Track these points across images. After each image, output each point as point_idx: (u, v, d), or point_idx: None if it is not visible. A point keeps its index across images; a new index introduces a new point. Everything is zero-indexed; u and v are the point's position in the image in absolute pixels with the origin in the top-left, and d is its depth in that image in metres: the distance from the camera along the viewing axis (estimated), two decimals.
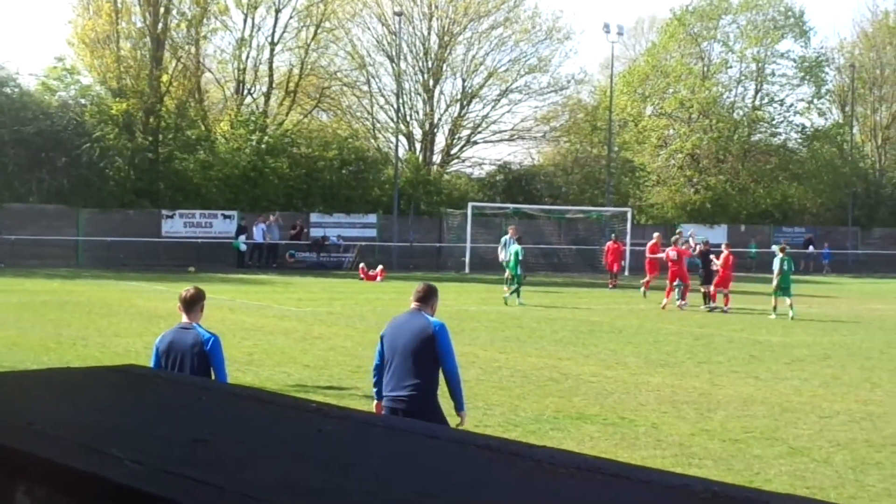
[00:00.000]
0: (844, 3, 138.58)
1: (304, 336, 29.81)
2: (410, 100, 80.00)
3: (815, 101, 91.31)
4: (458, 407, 12.58)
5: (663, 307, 43.21)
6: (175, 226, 64.55)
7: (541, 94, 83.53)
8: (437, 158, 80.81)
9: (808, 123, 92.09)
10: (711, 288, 43.86)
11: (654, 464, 13.48)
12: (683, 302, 44.21)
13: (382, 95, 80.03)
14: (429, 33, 79.41)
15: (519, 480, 2.78)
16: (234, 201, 66.34)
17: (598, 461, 2.91)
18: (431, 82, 79.46)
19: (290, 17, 73.51)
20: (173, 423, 3.38)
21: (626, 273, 60.83)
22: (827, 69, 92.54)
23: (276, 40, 73.28)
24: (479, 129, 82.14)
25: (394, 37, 76.83)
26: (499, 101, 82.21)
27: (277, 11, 72.67)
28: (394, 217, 69.68)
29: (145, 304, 37.66)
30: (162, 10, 67.78)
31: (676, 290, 44.34)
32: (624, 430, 17.59)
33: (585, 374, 23.65)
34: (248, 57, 73.05)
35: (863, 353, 29.22)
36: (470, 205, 69.08)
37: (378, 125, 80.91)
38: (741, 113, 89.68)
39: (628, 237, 66.86)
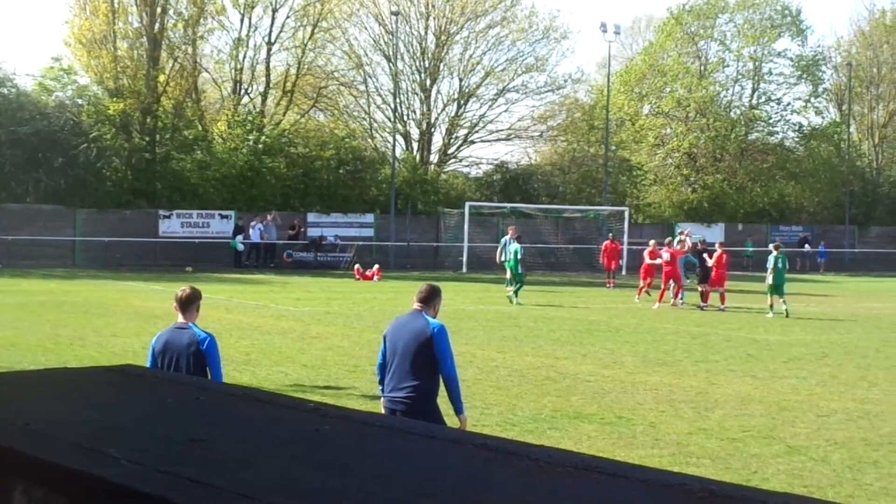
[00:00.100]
0: (841, 1, 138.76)
1: (301, 336, 29.81)
2: (407, 99, 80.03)
3: (812, 99, 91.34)
4: (457, 410, 12.48)
5: (657, 308, 43.31)
6: (172, 226, 64.51)
7: (538, 94, 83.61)
8: (434, 158, 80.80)
9: (805, 122, 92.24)
10: (707, 287, 43.93)
11: (651, 463, 13.48)
12: (677, 300, 44.28)
13: (379, 95, 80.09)
14: (426, 33, 79.43)
15: (517, 480, 2.78)
16: (232, 201, 66.30)
17: (595, 460, 2.91)
18: (428, 82, 79.44)
19: (287, 17, 73.55)
20: (171, 423, 3.38)
21: (624, 272, 60.83)
22: (824, 68, 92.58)
23: (272, 40, 73.26)
24: (476, 128, 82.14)
25: (391, 36, 76.81)
26: (496, 100, 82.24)
27: (274, 11, 72.63)
28: (391, 217, 69.65)
29: (142, 305, 37.64)
30: (159, 10, 67.69)
31: (670, 290, 44.47)
32: (621, 430, 17.59)
33: (583, 374, 23.65)
34: (244, 57, 73.03)
35: (860, 352, 29.23)
36: (467, 204, 69.09)
37: (375, 125, 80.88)
38: (738, 112, 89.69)
39: (625, 236, 66.85)
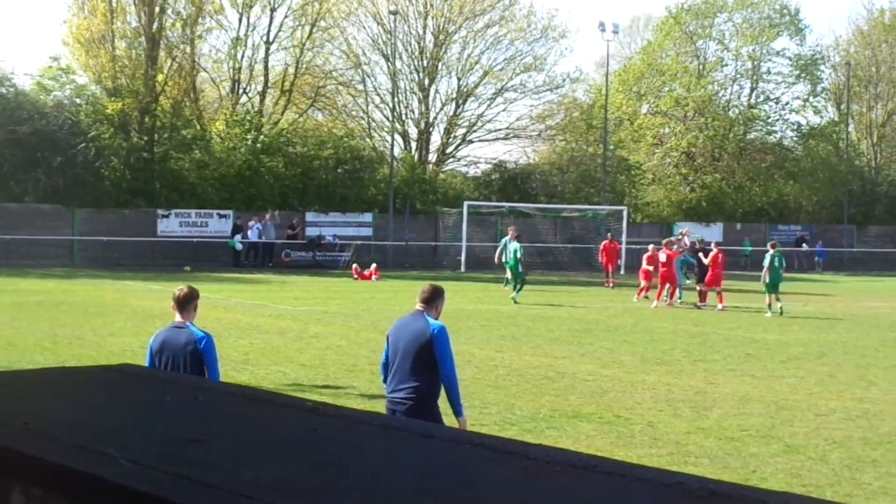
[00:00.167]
0: (840, 0, 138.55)
1: (299, 335, 29.80)
2: (406, 99, 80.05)
3: (811, 99, 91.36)
4: (457, 412, 12.38)
5: (654, 307, 43.43)
6: (171, 225, 64.50)
7: (536, 93, 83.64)
8: (432, 157, 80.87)
9: (803, 121, 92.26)
10: (703, 286, 44.03)
11: (650, 462, 13.48)
12: (672, 300, 44.35)
13: (378, 94, 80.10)
14: (424, 32, 79.43)
15: (515, 479, 2.78)
16: (230, 201, 66.29)
17: (594, 459, 2.91)
18: (427, 81, 79.46)
19: (286, 17, 73.57)
20: (169, 423, 3.38)
21: (622, 272, 60.82)
22: (822, 67, 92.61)
23: (271, 39, 73.29)
24: (475, 127, 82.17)
25: (389, 36, 76.82)
26: (494, 99, 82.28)
27: (272, 10, 72.65)
28: (389, 216, 69.65)
29: (141, 304, 37.62)
30: (157, 9, 67.67)
31: (666, 291, 44.56)
32: (620, 429, 17.59)
33: (581, 373, 23.65)
34: (243, 56, 73.08)
35: (858, 351, 29.24)
36: (465, 204, 69.10)
37: (373, 124, 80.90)
38: (737, 111, 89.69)
39: (624, 236, 66.84)
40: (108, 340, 27.48)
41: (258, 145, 68.36)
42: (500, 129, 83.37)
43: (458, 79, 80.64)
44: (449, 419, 12.32)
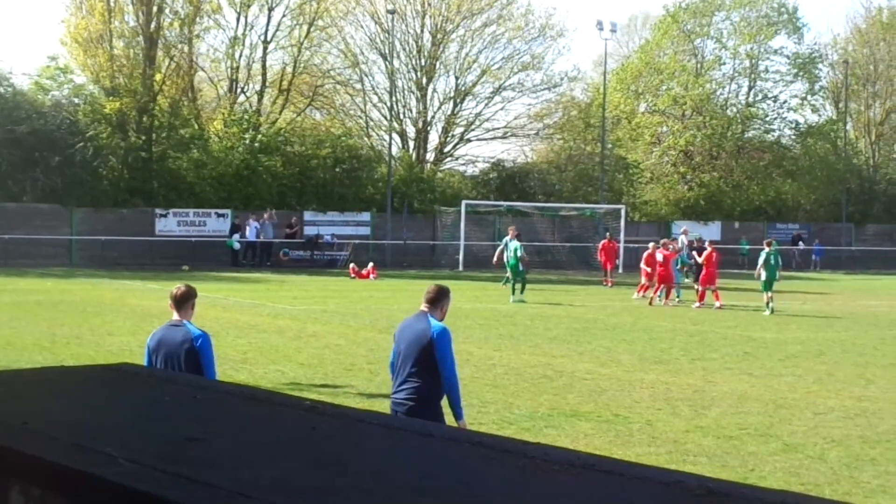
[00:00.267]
0: None
1: (298, 334, 29.81)
2: (404, 98, 80.00)
3: (809, 97, 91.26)
4: (457, 416, 12.29)
5: (650, 303, 43.54)
6: (169, 224, 64.50)
7: (534, 92, 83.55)
8: (430, 156, 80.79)
9: (801, 120, 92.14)
10: (699, 286, 44.14)
11: (648, 461, 13.48)
12: (668, 301, 44.39)
13: (376, 93, 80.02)
14: (422, 31, 79.38)
15: (513, 478, 2.78)
16: (228, 200, 66.27)
17: (592, 458, 2.91)
18: (425, 80, 79.42)
19: (283, 16, 73.55)
20: (168, 422, 3.38)
21: (621, 270, 60.82)
22: (820, 65, 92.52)
23: (269, 39, 73.29)
24: (473, 126, 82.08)
25: (387, 35, 76.76)
26: (492, 98, 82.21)
27: (270, 10, 72.66)
28: (387, 215, 69.66)
29: (139, 303, 37.62)
30: (155, 8, 67.65)
31: (661, 291, 44.63)
32: (618, 428, 17.60)
33: (580, 372, 23.66)
34: (241, 55, 73.06)
35: (857, 350, 29.26)
36: (463, 202, 69.08)
37: (371, 123, 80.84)
38: (735, 109, 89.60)
39: (622, 234, 66.90)
40: (106, 340, 27.49)
41: (256, 145, 68.33)
42: (497, 128, 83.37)
43: (456, 78, 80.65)
44: (450, 421, 12.28)
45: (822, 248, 79.73)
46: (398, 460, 2.97)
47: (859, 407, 19.98)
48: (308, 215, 68.20)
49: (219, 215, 65.56)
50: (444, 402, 12.43)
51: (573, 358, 26.17)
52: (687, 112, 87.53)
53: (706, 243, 46.63)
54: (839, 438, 17.03)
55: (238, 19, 72.09)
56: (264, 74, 73.96)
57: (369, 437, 3.24)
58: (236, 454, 2.93)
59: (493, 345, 28.29)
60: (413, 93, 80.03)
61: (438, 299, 12.53)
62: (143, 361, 11.69)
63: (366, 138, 79.42)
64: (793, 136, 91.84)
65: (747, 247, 74.03)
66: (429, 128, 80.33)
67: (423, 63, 79.30)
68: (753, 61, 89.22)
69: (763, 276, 41.40)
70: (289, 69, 74.35)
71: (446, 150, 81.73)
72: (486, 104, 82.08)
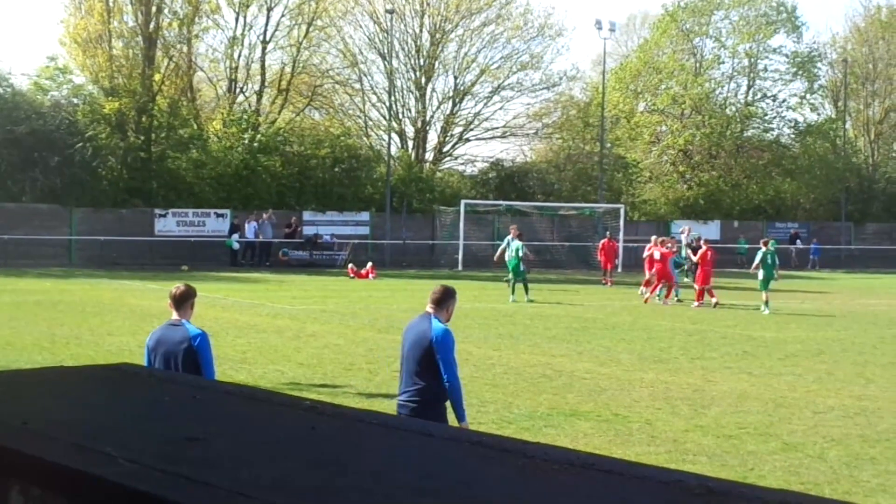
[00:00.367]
0: None
1: (297, 334, 29.81)
2: (402, 97, 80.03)
3: (808, 96, 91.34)
4: (459, 417, 12.22)
5: (646, 301, 43.58)
6: (168, 224, 64.50)
7: (533, 91, 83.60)
8: (429, 156, 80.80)
9: (800, 119, 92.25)
10: (696, 286, 44.22)
11: (648, 460, 13.48)
12: (668, 300, 44.40)
13: (375, 93, 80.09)
14: (421, 31, 79.42)
15: (513, 477, 2.78)
16: (227, 200, 66.27)
17: (591, 458, 2.91)
18: (423, 80, 79.44)
19: (282, 16, 73.61)
20: (167, 422, 3.38)
21: (620, 269, 60.84)
22: (819, 64, 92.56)
23: (267, 39, 73.32)
24: (472, 126, 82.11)
25: (385, 34, 76.76)
26: (491, 98, 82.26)
27: (269, 10, 72.69)
28: (386, 215, 69.69)
29: (138, 303, 37.62)
30: (154, 9, 67.68)
31: (660, 290, 44.68)
32: (618, 427, 17.60)
33: (579, 371, 23.66)
34: (240, 55, 73.13)
35: (856, 349, 29.26)
36: (462, 202, 69.08)
37: (370, 123, 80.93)
38: (734, 109, 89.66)
39: (621, 233, 66.96)
40: (105, 340, 27.49)
41: (255, 144, 68.34)
42: (496, 128, 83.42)
43: (455, 77, 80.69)
44: (452, 422, 12.26)
45: (819, 246, 79.65)
46: (398, 460, 2.97)
47: (859, 406, 19.98)
48: (307, 215, 68.21)
49: (218, 215, 65.57)
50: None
51: (572, 357, 26.18)
52: (686, 111, 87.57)
53: (701, 242, 46.67)
54: (839, 437, 17.02)
55: (237, 19, 72.22)
56: (263, 74, 74.02)
57: (369, 437, 3.24)
58: (236, 454, 2.93)
59: (493, 344, 28.28)
60: (412, 92, 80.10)
61: (444, 300, 12.46)
62: (143, 361, 11.69)
63: (365, 138, 79.49)
64: (792, 135, 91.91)
65: (746, 246, 74.04)
66: (428, 127, 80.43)
67: (421, 63, 79.34)
68: (752, 60, 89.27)
69: (760, 276, 41.47)
70: (288, 69, 74.39)
71: (445, 149, 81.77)
72: (485, 104, 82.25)
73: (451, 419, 12.30)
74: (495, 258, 49.66)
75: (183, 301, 12.01)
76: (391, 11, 74.20)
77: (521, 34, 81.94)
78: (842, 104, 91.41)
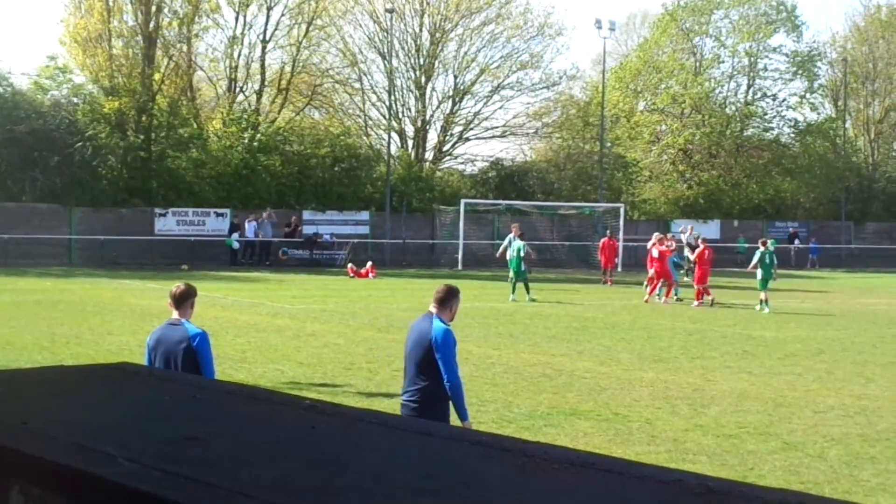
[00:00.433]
0: None
1: (297, 333, 29.81)
2: (402, 97, 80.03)
3: (808, 95, 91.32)
4: (461, 417, 12.20)
5: (646, 301, 43.61)
6: (168, 224, 64.49)
7: (533, 91, 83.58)
8: (429, 155, 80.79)
9: (800, 118, 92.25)
10: (695, 285, 44.25)
11: (648, 459, 13.48)
12: (666, 299, 44.41)
13: (374, 92, 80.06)
14: (420, 30, 79.41)
15: (513, 476, 2.78)
16: (227, 199, 66.27)
17: (591, 457, 2.91)
18: (423, 79, 79.42)
19: (282, 15, 73.60)
20: (167, 422, 3.38)
21: (620, 269, 60.84)
22: (819, 63, 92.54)
23: (267, 38, 73.31)
24: (471, 125, 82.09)
25: (385, 34, 76.74)
26: (491, 97, 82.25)
27: (269, 9, 72.68)
28: (386, 214, 69.68)
29: (138, 303, 37.62)
30: (154, 8, 67.66)
31: (660, 289, 44.71)
32: (618, 426, 17.60)
33: (579, 371, 23.66)
34: (239, 55, 73.13)
35: (856, 348, 29.26)
36: (462, 201, 69.05)
37: (370, 122, 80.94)
38: (734, 108, 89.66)
39: (621, 233, 66.94)
40: (105, 339, 27.49)
41: (255, 144, 68.33)
42: (496, 127, 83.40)
43: (455, 76, 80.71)
44: (455, 422, 12.25)
45: (817, 246, 79.63)
46: (398, 459, 2.97)
47: (859, 405, 19.98)
48: (307, 214, 68.21)
49: (218, 215, 65.57)
50: None
51: (572, 356, 26.18)
52: (686, 110, 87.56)
53: (698, 241, 46.69)
54: (839, 437, 17.03)
55: (237, 19, 72.21)
56: (263, 74, 74.02)
57: (369, 437, 3.24)
58: (236, 453, 2.93)
59: (493, 343, 28.29)
60: (412, 92, 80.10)
61: (447, 300, 12.45)
62: (143, 360, 11.68)
63: (364, 137, 79.48)
64: (792, 135, 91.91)
65: (745, 245, 74.05)
66: (427, 127, 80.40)
67: (421, 62, 79.34)
68: (752, 59, 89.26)
69: (759, 275, 41.51)
70: (287, 68, 74.38)
71: (445, 148, 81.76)
72: (485, 103, 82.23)
73: (454, 419, 12.30)
74: (498, 254, 49.68)
75: (183, 300, 12.00)
76: (391, 11, 74.15)
77: (521, 33, 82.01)
78: (842, 103, 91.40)
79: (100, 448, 2.86)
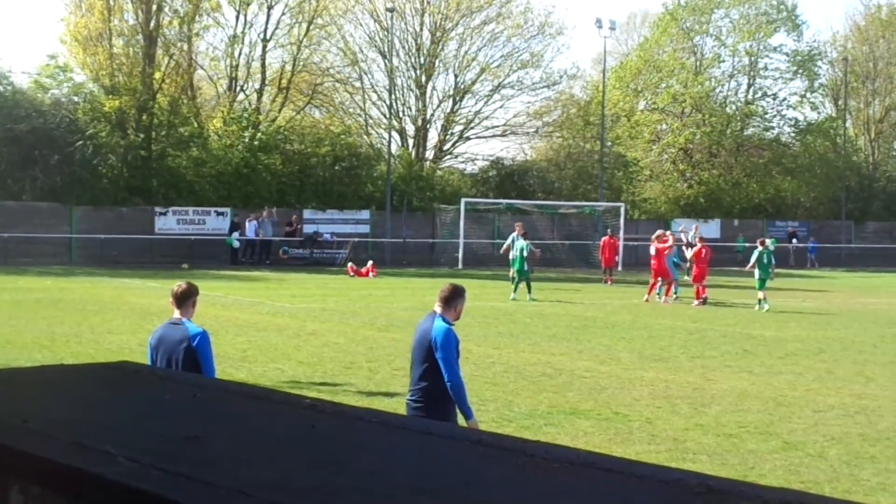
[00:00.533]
0: None
1: (297, 332, 29.81)
2: (403, 96, 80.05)
3: (808, 94, 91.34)
4: (465, 416, 12.18)
5: (646, 300, 43.61)
6: (168, 223, 64.51)
7: (533, 90, 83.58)
8: (429, 154, 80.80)
9: (801, 117, 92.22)
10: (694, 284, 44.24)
11: (648, 459, 13.48)
12: (666, 298, 44.38)
13: (375, 91, 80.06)
14: (421, 29, 79.43)
15: (513, 476, 2.78)
16: (228, 198, 66.29)
17: (592, 456, 2.91)
18: (424, 78, 79.43)
19: (283, 14, 73.66)
20: (167, 420, 3.38)
21: (620, 268, 60.85)
22: (820, 63, 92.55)
23: (268, 37, 73.32)
24: (472, 124, 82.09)
25: (386, 33, 76.77)
26: (491, 96, 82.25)
27: (269, 8, 72.72)
28: (387, 213, 69.68)
29: (138, 301, 37.62)
30: (154, 7, 67.67)
31: (659, 287, 44.70)
32: (618, 426, 17.59)
33: (579, 370, 23.65)
34: (240, 54, 73.16)
35: (856, 348, 29.25)
36: (463, 200, 69.08)
37: (371, 121, 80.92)
38: (734, 107, 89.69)
39: (621, 232, 66.94)
40: (105, 338, 27.49)
41: (255, 143, 68.32)
42: (497, 126, 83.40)
43: (455, 75, 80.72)
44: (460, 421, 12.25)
45: (816, 245, 79.61)
46: (398, 459, 2.97)
47: (859, 405, 19.98)
48: (307, 213, 68.24)
49: (218, 213, 65.59)
50: None
51: (572, 356, 26.17)
52: (686, 110, 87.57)
53: (696, 240, 46.71)
54: (839, 436, 17.02)
55: (237, 17, 72.25)
56: (263, 72, 74.03)
57: (369, 436, 3.24)
58: (236, 453, 2.93)
59: (493, 342, 28.28)
60: (412, 91, 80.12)
61: (451, 299, 12.39)
62: (143, 359, 11.66)
63: (365, 136, 79.48)
64: (792, 134, 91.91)
65: (745, 244, 74.04)
66: (428, 126, 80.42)
67: (422, 61, 79.36)
68: (753, 59, 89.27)
69: (756, 275, 41.52)
70: (288, 67, 74.42)
71: (445, 147, 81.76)
72: (486, 102, 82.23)
73: (461, 418, 12.30)
74: (502, 250, 49.74)
75: (184, 299, 11.98)
76: (391, 10, 74.16)
77: (522, 33, 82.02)
78: (842, 103, 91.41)
79: (100, 447, 2.86)
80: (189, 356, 11.47)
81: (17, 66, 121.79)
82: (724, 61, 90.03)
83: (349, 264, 58.21)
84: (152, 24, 67.72)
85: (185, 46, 70.89)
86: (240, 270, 57.87)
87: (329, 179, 69.65)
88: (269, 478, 2.65)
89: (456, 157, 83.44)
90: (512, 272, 44.52)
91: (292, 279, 52.44)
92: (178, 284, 12.22)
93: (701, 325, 34.50)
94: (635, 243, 67.42)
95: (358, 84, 79.68)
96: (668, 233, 49.20)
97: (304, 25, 73.47)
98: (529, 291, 42.89)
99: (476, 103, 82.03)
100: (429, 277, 52.68)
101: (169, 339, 11.69)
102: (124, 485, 2.57)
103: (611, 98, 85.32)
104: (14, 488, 2.87)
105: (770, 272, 41.81)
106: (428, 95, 79.90)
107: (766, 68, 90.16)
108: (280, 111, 74.83)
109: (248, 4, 71.65)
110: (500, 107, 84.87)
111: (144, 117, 67.26)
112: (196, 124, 70.53)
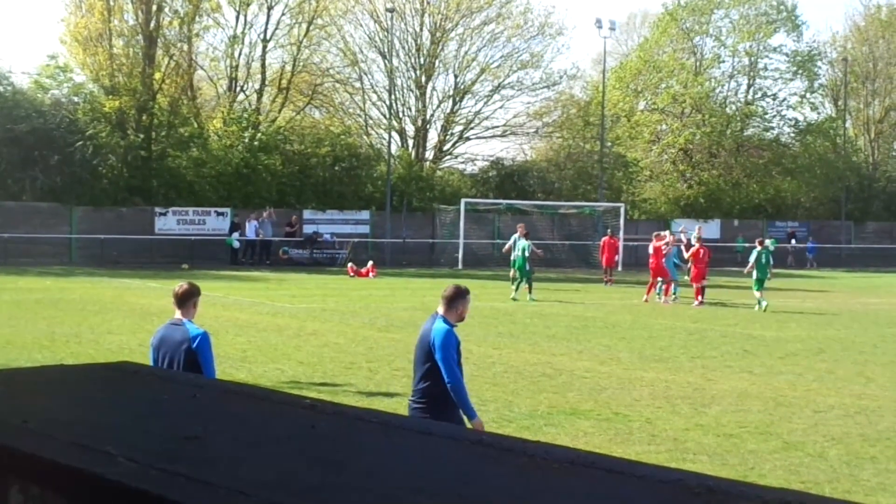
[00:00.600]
0: None
1: (297, 332, 29.80)
2: (403, 96, 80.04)
3: (808, 95, 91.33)
4: (468, 416, 12.15)
5: (645, 300, 43.60)
6: (168, 223, 64.51)
7: (533, 90, 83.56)
8: (429, 154, 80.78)
9: (800, 118, 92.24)
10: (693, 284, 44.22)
11: (648, 459, 13.46)
12: (665, 298, 44.37)
13: (375, 92, 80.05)
14: (421, 29, 79.43)
15: (513, 476, 2.78)
16: (228, 198, 66.29)
17: (592, 456, 2.91)
18: (424, 78, 79.43)
19: (283, 14, 73.65)
20: (167, 421, 3.38)
21: (620, 268, 60.85)
22: (819, 63, 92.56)
23: (268, 37, 73.32)
24: (472, 125, 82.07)
25: (386, 33, 76.78)
26: (491, 96, 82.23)
27: (269, 8, 72.72)
28: (387, 213, 69.68)
29: (138, 302, 37.62)
30: (154, 7, 67.68)
31: (659, 287, 44.70)
32: (618, 426, 17.59)
33: (579, 370, 23.65)
34: (240, 54, 73.14)
35: (857, 348, 29.25)
36: (463, 201, 69.09)
37: (370, 122, 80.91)
38: (734, 107, 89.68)
39: (621, 232, 66.93)
40: (105, 338, 27.48)
41: (255, 143, 68.33)
42: (497, 126, 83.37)
43: (455, 76, 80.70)
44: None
45: (815, 245, 79.59)
46: (397, 459, 2.97)
47: (859, 405, 19.98)
48: (307, 214, 68.25)
49: (218, 214, 65.60)
50: None
51: (572, 356, 26.17)
52: (686, 110, 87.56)
53: (693, 240, 46.75)
54: (839, 436, 17.02)
55: (237, 18, 72.25)
56: (263, 73, 74.03)
57: (368, 436, 3.24)
58: (235, 453, 2.93)
59: (493, 343, 28.27)
60: (412, 91, 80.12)
61: (454, 300, 12.36)
62: (143, 359, 11.64)
63: (365, 137, 79.48)
64: (792, 134, 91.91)
65: (745, 245, 74.02)
66: (428, 126, 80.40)
67: (422, 61, 79.35)
68: (752, 59, 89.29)
69: (755, 275, 41.54)
70: (288, 68, 74.41)
71: (445, 148, 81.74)
72: (486, 102, 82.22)
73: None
74: (504, 249, 49.76)
75: (186, 300, 11.95)
76: (391, 10, 74.16)
77: (522, 33, 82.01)
78: (842, 103, 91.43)
79: (99, 447, 2.85)
80: (189, 357, 11.46)
81: (17, 67, 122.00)
82: (723, 62, 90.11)
83: (349, 264, 58.21)
84: (152, 24, 67.75)
85: (185, 47, 70.90)
86: (240, 271, 57.88)
87: (329, 180, 69.66)
88: (269, 478, 2.65)
89: (456, 157, 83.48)
90: (513, 272, 44.53)
91: (292, 279, 52.46)
92: (180, 285, 12.20)
93: (701, 326, 34.50)
94: (635, 244, 67.43)
95: (358, 84, 79.72)
96: (665, 233, 49.21)
97: (304, 26, 73.49)
98: (530, 291, 42.89)
99: (476, 104, 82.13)
100: (429, 278, 52.71)
101: (170, 340, 11.68)
102: (124, 485, 2.57)
103: (611, 98, 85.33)
104: (14, 488, 2.87)
105: (768, 272, 41.82)
106: (428, 96, 79.95)
107: (765, 69, 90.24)
108: (280, 111, 74.83)
109: (248, 5, 71.67)
110: (500, 107, 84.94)
111: (144, 118, 67.27)
112: (196, 125, 70.53)
